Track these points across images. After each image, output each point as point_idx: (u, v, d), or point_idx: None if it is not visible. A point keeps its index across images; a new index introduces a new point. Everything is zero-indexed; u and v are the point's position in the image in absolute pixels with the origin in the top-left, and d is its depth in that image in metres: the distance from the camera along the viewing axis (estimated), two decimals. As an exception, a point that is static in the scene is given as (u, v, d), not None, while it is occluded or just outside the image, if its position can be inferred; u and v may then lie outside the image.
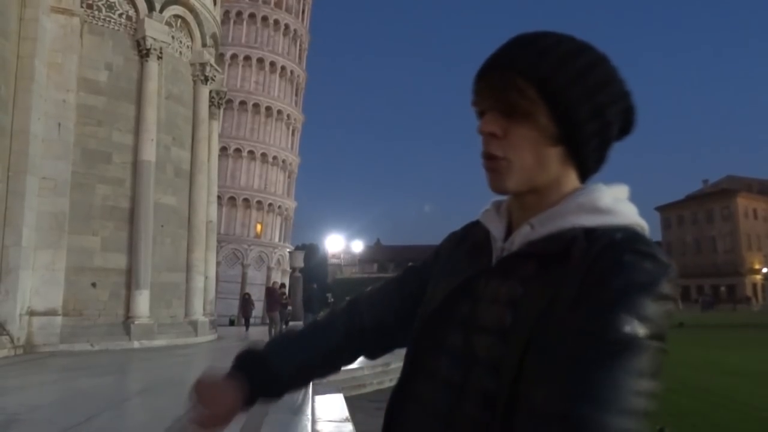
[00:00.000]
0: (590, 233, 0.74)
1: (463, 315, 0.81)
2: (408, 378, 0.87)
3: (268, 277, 37.39)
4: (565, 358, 0.65)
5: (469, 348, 0.78)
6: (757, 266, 68.26)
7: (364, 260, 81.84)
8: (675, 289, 0.69)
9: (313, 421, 5.93)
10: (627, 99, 0.80)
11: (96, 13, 13.87)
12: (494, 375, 0.73)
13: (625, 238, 0.71)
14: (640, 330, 0.64)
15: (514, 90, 0.76)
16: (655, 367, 0.65)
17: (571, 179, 0.80)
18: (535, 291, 0.73)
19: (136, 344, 12.94)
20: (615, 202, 0.77)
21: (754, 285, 68.42)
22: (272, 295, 18.20)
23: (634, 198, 0.80)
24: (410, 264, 1.07)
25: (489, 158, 0.79)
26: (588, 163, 0.80)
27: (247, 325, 22.61)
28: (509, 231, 0.84)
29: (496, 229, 0.85)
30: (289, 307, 19.08)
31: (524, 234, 0.79)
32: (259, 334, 19.59)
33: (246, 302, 23.98)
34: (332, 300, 49.87)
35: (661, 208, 78.87)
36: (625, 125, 0.81)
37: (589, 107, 0.76)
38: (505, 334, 0.73)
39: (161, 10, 14.90)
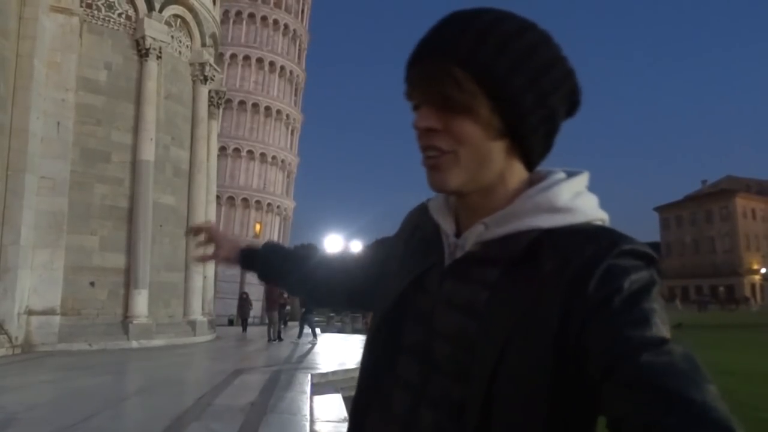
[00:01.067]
0: (551, 234, 0.70)
1: (417, 312, 0.78)
2: (368, 375, 0.84)
3: (267, 277, 37.35)
4: (628, 378, 0.59)
5: (428, 351, 0.75)
6: (755, 266, 68.37)
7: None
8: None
9: (312, 422, 5.93)
10: (571, 79, 0.74)
11: (95, 12, 13.86)
12: (459, 383, 0.70)
13: (608, 239, 0.67)
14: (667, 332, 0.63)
15: (450, 82, 0.69)
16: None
17: (517, 172, 0.75)
18: (504, 300, 0.68)
19: (134, 344, 12.92)
20: (573, 199, 0.73)
21: (753, 285, 68.51)
22: (271, 294, 18.18)
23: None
24: (374, 242, 1.08)
25: (431, 154, 0.72)
26: (534, 153, 0.74)
27: (244, 325, 21.83)
28: (457, 227, 0.80)
29: (446, 223, 0.80)
30: (288, 307, 18.97)
31: (477, 233, 0.74)
32: (257, 334, 19.57)
33: (243, 302, 22.94)
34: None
35: (659, 209, 78.99)
36: (570, 107, 0.75)
37: (534, 95, 0.70)
38: (466, 343, 0.70)
39: (161, 10, 14.89)
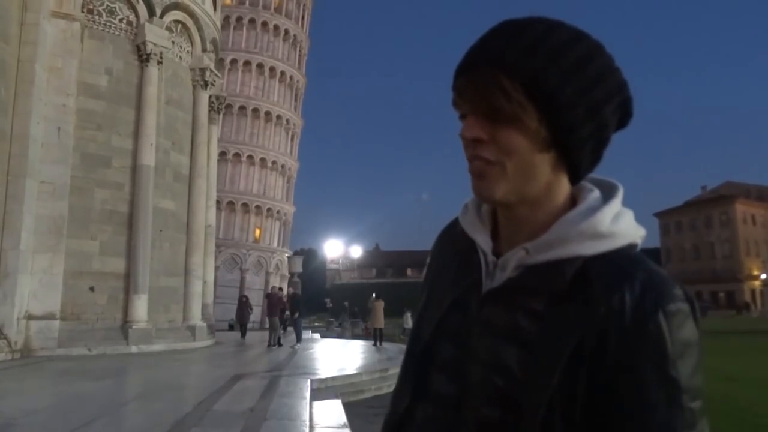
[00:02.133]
0: (595, 262, 0.69)
1: (451, 330, 0.77)
2: (409, 399, 0.82)
3: (267, 282, 37.36)
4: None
5: (461, 371, 0.74)
6: (755, 272, 68.30)
7: (362, 265, 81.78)
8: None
9: (311, 427, 5.92)
10: (624, 91, 0.72)
11: (96, 17, 13.91)
12: (497, 409, 0.69)
13: (649, 289, 0.66)
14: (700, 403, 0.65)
15: (499, 92, 0.68)
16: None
17: (563, 185, 0.73)
18: (555, 334, 0.67)
19: (134, 349, 12.91)
20: (615, 222, 0.71)
21: (753, 291, 68.43)
22: (273, 299, 18.17)
23: (632, 206, 0.75)
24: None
25: (479, 163, 0.71)
26: (582, 166, 0.73)
27: (243, 330, 20.95)
28: (494, 236, 0.78)
29: (481, 238, 0.78)
30: (287, 312, 18.88)
31: (519, 258, 0.72)
32: (256, 339, 19.53)
33: (243, 305, 21.92)
34: (330, 305, 49.86)
35: (659, 214, 78.94)
36: (622, 118, 0.73)
37: (584, 107, 0.68)
38: (503, 369, 0.70)
39: (161, 16, 14.94)
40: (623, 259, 0.70)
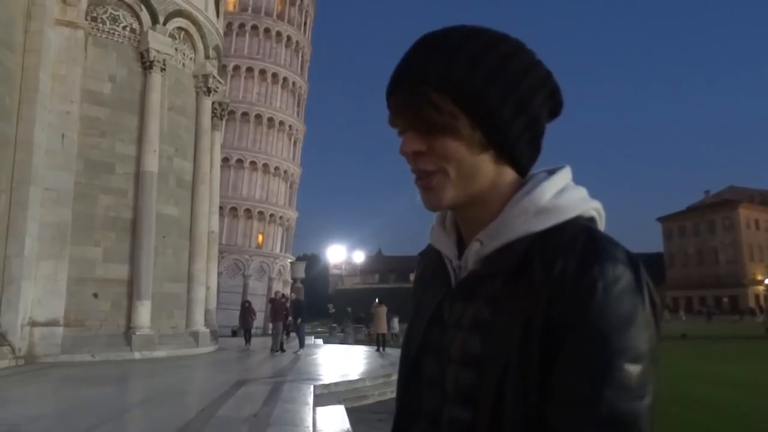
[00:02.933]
0: (542, 238, 0.70)
1: (432, 344, 0.78)
2: (405, 419, 0.83)
3: (270, 288, 37.37)
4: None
5: (442, 381, 0.75)
6: (759, 277, 68.02)
7: (365, 271, 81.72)
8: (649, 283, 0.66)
9: (315, 433, 5.91)
10: (550, 81, 0.74)
11: (100, 25, 13.99)
12: (465, 406, 0.69)
13: (586, 253, 0.66)
14: (631, 396, 0.62)
15: (429, 106, 0.70)
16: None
17: (508, 177, 0.75)
18: (506, 315, 0.68)
19: (137, 355, 12.92)
20: (558, 196, 0.72)
21: (757, 296, 68.16)
22: (276, 305, 18.17)
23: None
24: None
25: (422, 175, 0.73)
26: (523, 159, 0.74)
27: (247, 336, 20.24)
28: (460, 245, 0.79)
29: (446, 247, 0.80)
30: (290, 318, 18.85)
31: (475, 251, 0.74)
32: (259, 345, 19.50)
33: (246, 311, 21.28)
34: (333, 311, 49.80)
35: (662, 219, 78.78)
36: (553, 107, 0.75)
37: (512, 105, 0.70)
38: (470, 361, 0.70)
39: (165, 23, 15.02)
40: (569, 230, 0.70)
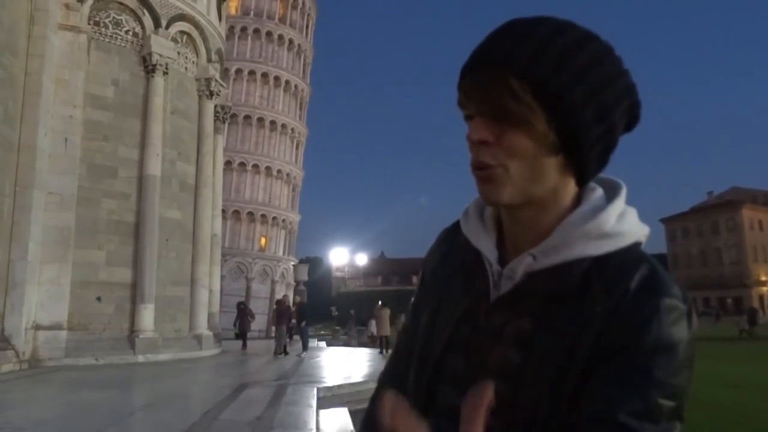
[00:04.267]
0: (601, 263, 0.69)
1: (459, 343, 0.76)
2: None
3: (273, 291, 37.42)
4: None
5: (474, 383, 0.72)
6: (763, 278, 67.81)
7: (368, 273, 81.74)
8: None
9: (319, 436, 5.91)
10: (633, 94, 0.70)
11: (103, 29, 14.04)
12: (499, 417, 0.67)
13: (645, 287, 0.66)
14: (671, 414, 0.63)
15: (507, 93, 0.66)
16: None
17: (570, 188, 0.72)
18: (549, 334, 0.68)
19: (140, 358, 12.93)
20: (620, 221, 0.71)
21: (761, 297, 67.93)
22: (281, 308, 18.14)
23: (638, 211, 0.75)
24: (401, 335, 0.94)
25: (481, 167, 0.69)
26: (590, 170, 0.71)
27: (243, 340, 19.25)
28: (499, 244, 0.77)
29: (486, 248, 0.77)
30: (293, 320, 18.82)
31: (527, 264, 0.72)
32: (263, 348, 19.45)
33: (242, 313, 20.04)
34: (336, 313, 49.84)
35: (665, 220, 78.60)
36: (629, 121, 0.72)
37: (593, 110, 0.67)
38: (509, 374, 0.69)
39: (167, 27, 15.07)
40: (628, 257, 0.70)
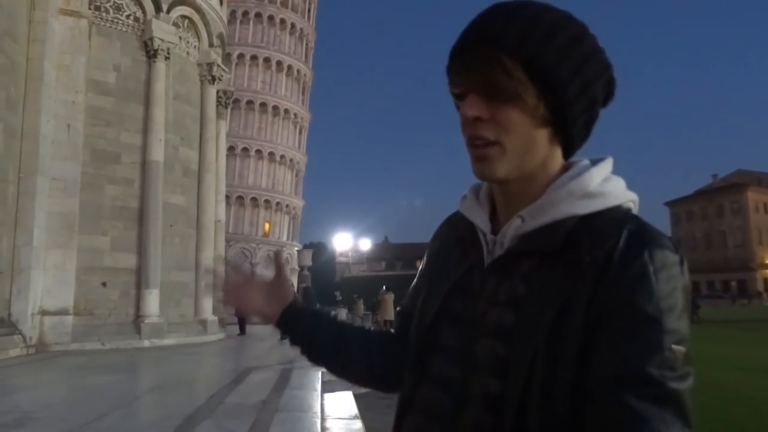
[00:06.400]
0: (587, 221, 0.71)
1: (456, 314, 0.78)
2: (410, 385, 0.84)
3: (277, 276, 37.51)
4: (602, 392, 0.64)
5: (468, 350, 0.75)
6: (767, 261, 67.75)
7: (372, 258, 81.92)
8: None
9: (323, 419, 5.96)
10: (609, 70, 0.76)
11: (104, 14, 13.95)
12: (497, 378, 0.70)
13: (636, 237, 0.68)
14: (674, 373, 0.63)
15: (500, 70, 0.70)
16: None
17: (557, 159, 0.77)
18: (542, 292, 0.70)
19: (146, 343, 13.02)
20: (604, 183, 0.75)
21: (766, 279, 67.89)
22: None
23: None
24: (398, 310, 1.01)
25: (478, 143, 0.73)
26: (575, 141, 0.77)
27: (242, 325, 18.17)
28: (493, 218, 0.81)
29: (480, 220, 0.81)
30: None
31: (516, 227, 0.75)
32: (267, 333, 19.51)
33: None
34: (340, 298, 50.12)
35: (670, 204, 78.45)
36: (606, 96, 0.77)
37: (577, 84, 0.72)
38: (504, 335, 0.71)
39: (168, 11, 14.96)
40: (614, 215, 0.72)
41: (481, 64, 0.71)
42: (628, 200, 0.75)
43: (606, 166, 0.77)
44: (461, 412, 0.74)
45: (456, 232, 0.86)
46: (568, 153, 0.78)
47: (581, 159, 0.78)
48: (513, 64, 0.70)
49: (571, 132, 0.75)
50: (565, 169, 0.77)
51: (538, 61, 0.70)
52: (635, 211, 0.76)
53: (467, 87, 0.74)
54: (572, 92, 0.71)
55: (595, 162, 0.78)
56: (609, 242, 0.68)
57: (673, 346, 0.63)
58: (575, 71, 0.71)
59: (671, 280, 0.66)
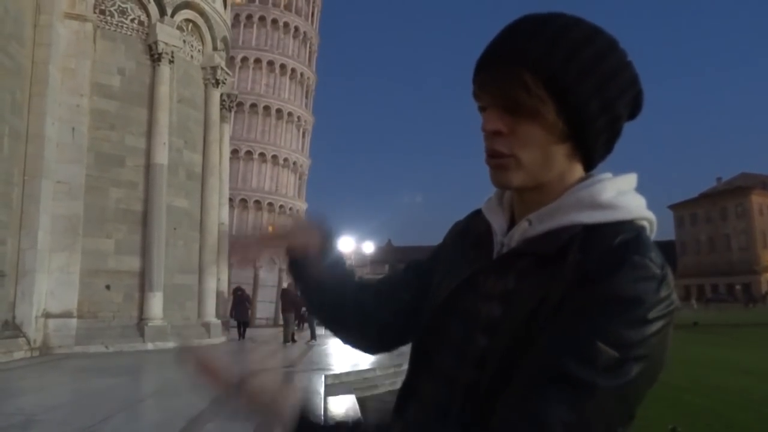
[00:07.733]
0: (591, 231, 0.71)
1: (464, 310, 0.80)
2: (412, 374, 0.86)
3: (280, 279, 37.52)
4: (527, 378, 0.65)
5: (467, 344, 0.77)
6: (772, 264, 67.42)
7: (375, 261, 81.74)
8: (672, 299, 0.66)
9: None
10: (636, 85, 0.75)
11: (108, 18, 14.02)
12: (478, 369, 0.73)
13: (621, 245, 0.67)
14: (607, 365, 0.62)
15: (520, 87, 0.71)
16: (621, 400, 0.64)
17: (576, 172, 0.77)
18: (527, 288, 0.72)
19: (149, 346, 13.03)
20: (617, 196, 0.73)
21: (770, 283, 67.54)
22: (287, 295, 18.14)
23: (646, 197, 0.76)
24: (412, 262, 1.03)
25: (495, 156, 0.74)
26: (595, 156, 0.76)
27: (240, 329, 17.81)
28: (512, 223, 0.82)
29: (497, 222, 0.83)
30: (303, 309, 18.80)
31: (522, 230, 0.77)
32: (271, 336, 19.52)
33: (239, 300, 18.67)
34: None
35: (674, 207, 78.20)
36: (632, 110, 0.77)
37: (600, 102, 0.71)
38: (492, 329, 0.73)
39: (172, 15, 15.02)
40: (619, 228, 0.71)
41: (503, 80, 0.72)
42: (641, 217, 0.74)
43: (623, 181, 0.76)
44: (455, 403, 0.76)
45: (474, 230, 0.88)
46: (588, 167, 0.78)
47: (603, 173, 0.77)
48: (534, 81, 0.70)
49: (592, 148, 0.75)
50: (583, 180, 0.77)
51: (558, 79, 0.70)
52: (650, 231, 0.74)
53: (488, 101, 0.75)
54: (593, 110, 0.71)
55: (615, 176, 0.77)
56: (597, 248, 0.68)
57: (601, 345, 0.62)
58: (597, 89, 0.71)
59: (634, 287, 0.64)
